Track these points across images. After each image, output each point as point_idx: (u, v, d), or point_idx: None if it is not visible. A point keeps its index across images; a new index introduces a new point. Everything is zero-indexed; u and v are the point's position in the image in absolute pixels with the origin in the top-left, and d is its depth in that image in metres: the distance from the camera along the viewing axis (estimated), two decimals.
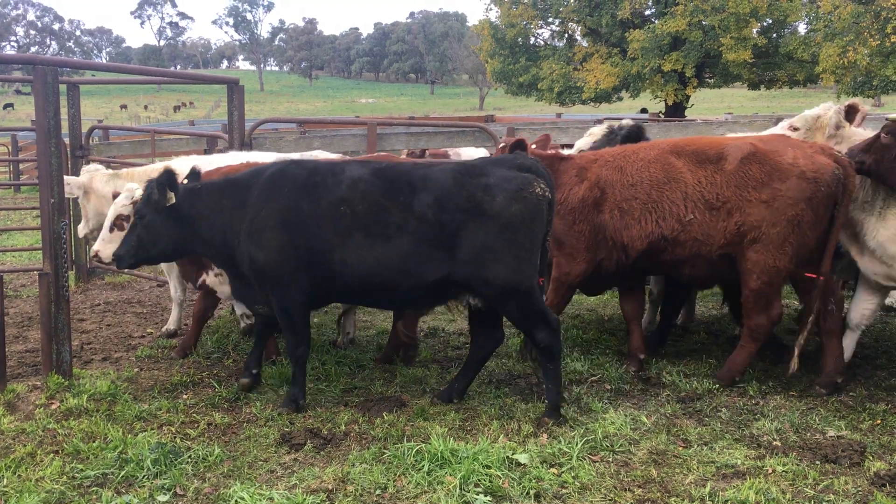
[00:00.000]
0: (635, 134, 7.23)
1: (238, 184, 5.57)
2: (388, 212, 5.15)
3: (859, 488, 4.36)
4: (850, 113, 5.82)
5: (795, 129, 6.41)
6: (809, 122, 6.04)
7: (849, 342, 6.11)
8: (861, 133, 6.02)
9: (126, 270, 7.06)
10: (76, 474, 4.54)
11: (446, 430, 5.08)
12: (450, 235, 5.10)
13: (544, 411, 5.33)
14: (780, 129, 6.16)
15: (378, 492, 4.33)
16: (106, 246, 6.37)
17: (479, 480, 4.36)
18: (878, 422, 5.23)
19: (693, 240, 5.87)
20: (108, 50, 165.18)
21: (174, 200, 5.51)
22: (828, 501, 4.21)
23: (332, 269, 5.27)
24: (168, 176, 5.49)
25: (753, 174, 5.68)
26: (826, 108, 6.10)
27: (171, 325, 7.65)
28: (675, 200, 5.87)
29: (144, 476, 4.51)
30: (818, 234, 5.67)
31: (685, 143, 6.10)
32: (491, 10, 44.55)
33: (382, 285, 5.28)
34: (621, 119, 9.07)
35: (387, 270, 5.19)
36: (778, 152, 5.70)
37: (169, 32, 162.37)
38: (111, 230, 6.41)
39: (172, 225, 5.59)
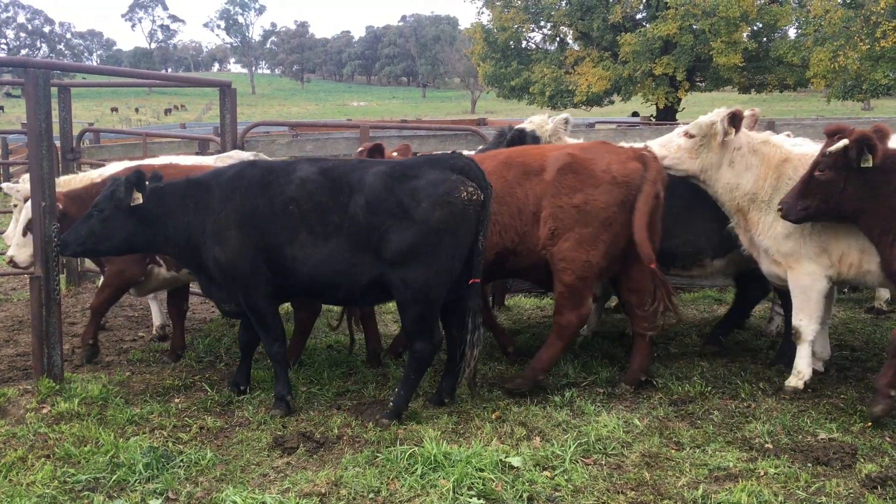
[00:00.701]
0: (518, 138, 7.24)
1: (200, 184, 5.66)
2: (329, 211, 5.29)
3: (851, 490, 4.37)
4: (735, 120, 5.89)
5: (691, 136, 6.45)
6: (704, 128, 6.20)
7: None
8: (756, 138, 6.13)
9: None
10: (67, 479, 4.52)
11: (439, 433, 5.08)
12: (379, 238, 5.21)
13: (388, 411, 5.37)
14: (676, 134, 6.24)
15: (371, 495, 4.32)
16: (21, 250, 6.49)
17: (473, 484, 4.36)
18: (869, 424, 5.26)
19: (528, 250, 5.99)
20: (98, 53, 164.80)
21: (140, 201, 5.56)
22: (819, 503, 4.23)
23: (285, 265, 5.39)
24: (138, 176, 5.55)
25: (568, 182, 5.87)
26: (718, 114, 6.19)
27: (156, 321, 7.66)
28: (512, 214, 5.98)
29: (136, 480, 4.49)
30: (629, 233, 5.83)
31: (516, 155, 6.24)
32: (483, 13, 44.70)
33: (328, 283, 5.42)
34: (610, 122, 9.09)
35: (329, 269, 5.33)
36: (593, 160, 5.92)
37: (160, 35, 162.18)
38: (24, 234, 6.46)
39: (131, 224, 5.61)
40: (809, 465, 4.68)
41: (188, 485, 4.48)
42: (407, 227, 5.15)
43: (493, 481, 4.39)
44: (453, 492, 4.28)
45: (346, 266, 5.30)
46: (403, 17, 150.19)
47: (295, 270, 5.39)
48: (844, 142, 5.21)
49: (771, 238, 5.88)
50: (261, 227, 5.37)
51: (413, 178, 5.23)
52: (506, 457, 4.67)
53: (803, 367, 5.87)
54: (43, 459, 4.75)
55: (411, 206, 5.15)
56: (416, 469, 4.53)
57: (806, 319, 5.86)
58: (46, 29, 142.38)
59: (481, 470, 4.48)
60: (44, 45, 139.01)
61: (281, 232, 5.34)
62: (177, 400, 5.82)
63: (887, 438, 5.04)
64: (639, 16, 41.63)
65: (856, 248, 5.66)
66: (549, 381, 6.16)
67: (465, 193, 5.19)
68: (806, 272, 5.80)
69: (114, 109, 79.31)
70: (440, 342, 5.49)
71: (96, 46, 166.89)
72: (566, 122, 7.50)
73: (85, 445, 4.93)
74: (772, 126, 9.93)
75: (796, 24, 38.77)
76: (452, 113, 78.11)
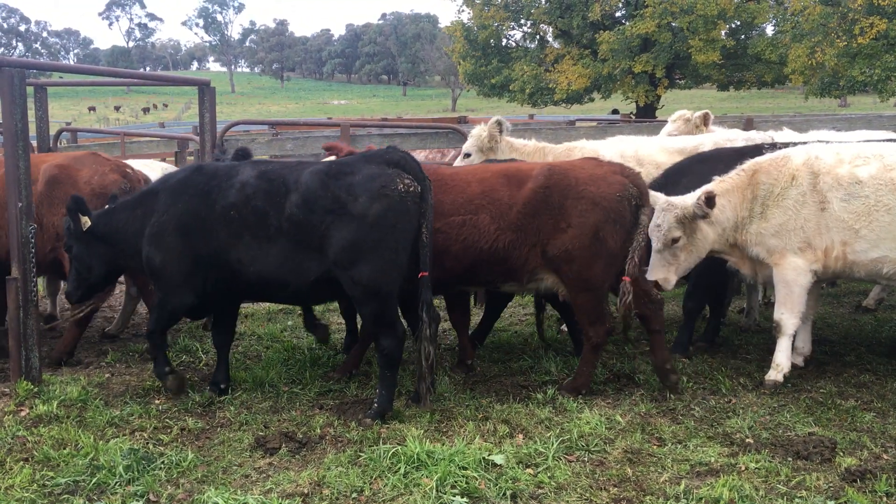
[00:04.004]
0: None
1: (150, 192, 5.84)
2: (269, 213, 5.37)
3: (831, 484, 4.42)
4: (709, 203, 6.02)
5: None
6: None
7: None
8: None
9: None
10: (46, 482, 4.47)
11: (422, 431, 5.08)
12: (321, 236, 5.26)
13: (372, 411, 5.34)
14: (662, 246, 6.05)
15: (354, 495, 4.31)
16: None
17: (456, 482, 4.36)
18: (847, 418, 5.31)
19: None
20: (75, 51, 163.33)
21: (89, 223, 5.73)
22: (800, 498, 4.26)
23: (233, 268, 5.49)
24: (76, 202, 5.73)
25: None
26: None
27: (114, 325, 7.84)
28: None
29: (117, 483, 4.45)
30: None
31: None
32: (463, 11, 44.73)
33: (275, 283, 5.50)
34: (590, 120, 9.19)
35: (274, 269, 5.41)
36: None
37: (138, 34, 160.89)
38: None
39: (97, 248, 5.84)
40: (790, 459, 4.72)
41: (169, 487, 4.44)
42: (347, 222, 5.19)
43: (477, 479, 4.39)
44: (436, 490, 4.28)
45: (291, 265, 5.37)
46: (384, 15, 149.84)
47: (242, 272, 5.47)
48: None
49: (759, 243, 5.98)
50: (203, 231, 5.48)
51: (349, 175, 5.27)
52: (489, 455, 4.67)
53: (783, 360, 5.93)
54: (21, 463, 4.70)
55: (349, 202, 5.18)
56: (400, 468, 4.52)
57: (787, 313, 5.92)
58: (22, 27, 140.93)
59: (464, 468, 4.48)
60: (20, 44, 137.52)
61: (225, 236, 5.44)
62: (157, 401, 5.77)
63: (866, 432, 5.10)
64: (618, 14, 41.83)
65: (839, 240, 5.74)
66: (531, 379, 6.18)
67: (401, 186, 5.21)
68: (791, 266, 5.87)
69: (91, 109, 78.54)
70: (404, 334, 5.48)
71: (73, 45, 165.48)
72: (498, 124, 7.62)
73: (64, 448, 4.87)
74: (750, 123, 10.03)
75: (774, 21, 39.13)
76: (433, 111, 78.01)
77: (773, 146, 6.54)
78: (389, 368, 5.40)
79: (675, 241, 5.93)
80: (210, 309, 6.05)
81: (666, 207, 5.90)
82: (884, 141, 6.51)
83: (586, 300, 5.76)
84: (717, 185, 6.03)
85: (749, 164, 6.08)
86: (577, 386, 5.84)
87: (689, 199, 5.89)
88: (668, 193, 6.15)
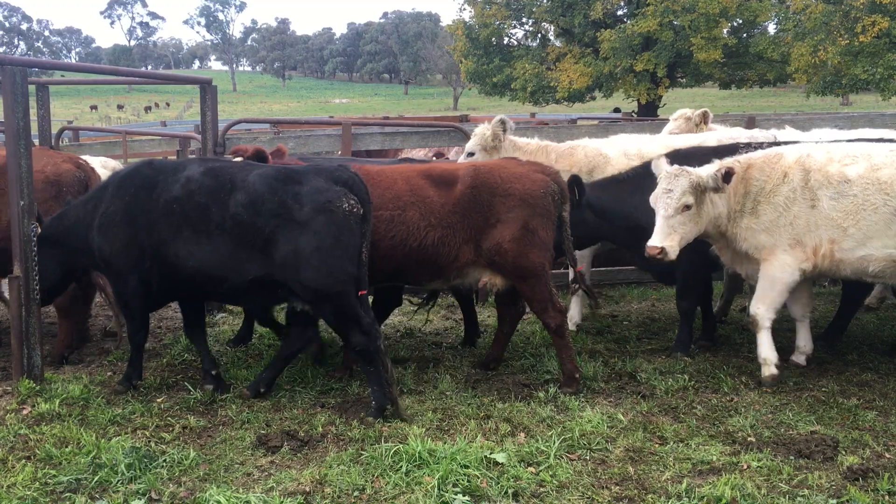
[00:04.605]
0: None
1: (100, 186, 6.07)
2: (211, 210, 5.45)
3: (833, 483, 4.41)
4: (727, 177, 6.10)
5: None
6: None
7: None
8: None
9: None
10: (49, 480, 4.47)
11: (424, 430, 5.08)
12: (264, 239, 5.35)
13: (372, 409, 5.37)
14: (663, 217, 6.12)
15: (356, 493, 4.31)
16: None
17: (457, 480, 4.36)
18: (849, 417, 5.31)
19: None
20: (77, 50, 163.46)
21: (39, 230, 5.91)
22: (802, 496, 4.26)
23: (170, 261, 5.58)
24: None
25: None
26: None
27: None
28: None
29: (119, 481, 4.45)
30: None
31: None
32: (465, 10, 44.74)
33: (214, 280, 5.57)
34: (592, 118, 9.23)
35: (212, 265, 5.49)
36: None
37: (139, 32, 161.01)
38: None
39: (54, 252, 5.98)
40: (792, 457, 4.72)
41: (171, 485, 4.44)
42: (291, 228, 5.30)
43: (478, 478, 4.39)
44: (438, 489, 4.28)
45: (231, 263, 5.45)
46: (385, 14, 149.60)
47: (180, 266, 5.56)
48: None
49: (748, 238, 6.00)
50: (147, 224, 5.59)
51: (297, 183, 5.39)
52: (490, 453, 4.67)
53: (767, 353, 5.97)
54: (24, 461, 4.70)
55: (294, 209, 5.30)
56: (401, 466, 4.52)
57: (764, 308, 5.96)
58: (24, 26, 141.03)
59: (466, 466, 4.48)
60: (21, 42, 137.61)
61: (167, 229, 5.53)
62: (159, 399, 5.77)
63: (868, 431, 5.09)
64: (619, 12, 41.82)
65: (827, 238, 5.75)
66: (533, 377, 6.18)
67: (346, 205, 5.33)
68: (779, 263, 5.89)
69: (93, 107, 78.56)
70: (372, 327, 5.43)
71: (75, 44, 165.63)
72: (502, 123, 7.62)
73: (66, 446, 4.88)
74: (752, 122, 10.01)
75: (776, 19, 39.09)
76: (435, 110, 78.02)
77: (749, 146, 6.56)
78: (369, 363, 5.42)
79: (687, 207, 5.86)
80: (160, 301, 6.15)
81: (679, 173, 5.85)
82: (875, 140, 6.52)
83: (528, 288, 5.98)
84: (716, 168, 5.98)
85: (743, 158, 6.09)
86: (569, 376, 5.92)
87: (706, 170, 5.87)
88: (639, 187, 6.36)
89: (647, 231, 5.99)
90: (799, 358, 6.28)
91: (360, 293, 5.46)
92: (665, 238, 5.85)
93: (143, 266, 5.66)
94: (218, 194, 5.44)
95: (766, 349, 5.99)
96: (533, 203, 5.89)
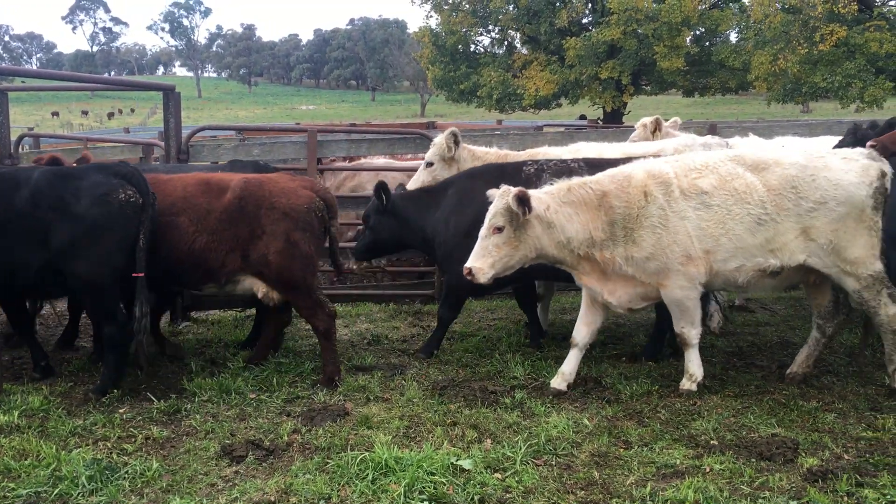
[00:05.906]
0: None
1: None
2: (2, 208, 5.79)
3: (793, 484, 4.48)
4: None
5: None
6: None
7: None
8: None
9: None
10: (7, 493, 4.39)
11: (390, 437, 5.07)
12: (44, 231, 5.74)
13: (96, 387, 5.96)
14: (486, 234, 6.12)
15: (322, 502, 4.29)
16: None
17: (424, 487, 4.36)
18: (809, 419, 5.39)
19: None
20: (38, 56, 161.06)
21: None
22: (763, 498, 4.32)
23: None
24: None
25: None
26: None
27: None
28: None
29: (80, 493, 4.39)
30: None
31: None
32: (431, 17, 44.78)
33: (4, 273, 5.89)
34: (558, 125, 9.29)
35: (4, 260, 5.81)
36: None
37: (102, 38, 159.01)
38: None
39: None
40: (753, 460, 4.79)
41: (133, 497, 4.39)
42: (67, 221, 5.72)
43: (445, 484, 4.40)
44: (405, 496, 4.28)
45: (18, 256, 5.79)
46: (352, 21, 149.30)
47: None
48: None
49: (634, 266, 5.81)
50: None
51: (77, 179, 5.86)
52: (457, 459, 4.68)
53: (695, 369, 6.02)
54: None
55: (72, 203, 5.74)
56: (368, 474, 4.51)
57: (688, 326, 5.97)
58: None
59: (432, 473, 4.48)
60: None
61: None
62: (121, 410, 5.70)
63: (827, 433, 5.18)
64: (585, 20, 42.17)
65: (702, 249, 5.71)
66: (499, 383, 6.20)
67: (123, 195, 5.81)
68: (677, 286, 5.80)
69: (54, 114, 77.33)
70: (124, 322, 5.95)
71: (36, 49, 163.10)
72: (453, 135, 7.73)
73: (26, 459, 4.80)
74: (714, 129, 10.17)
75: (737, 28, 39.68)
76: (402, 116, 77.94)
77: (536, 163, 6.86)
78: (112, 351, 5.99)
79: (498, 230, 5.68)
80: None
81: (502, 194, 5.66)
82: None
83: (294, 297, 6.38)
84: (557, 192, 5.82)
85: (593, 183, 5.83)
86: (329, 377, 6.26)
87: (536, 193, 5.72)
88: (430, 205, 6.88)
89: (433, 244, 6.89)
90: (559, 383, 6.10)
91: (135, 275, 5.85)
92: (477, 259, 5.73)
93: None
94: (6, 193, 5.77)
95: (694, 365, 6.01)
96: (296, 217, 6.24)
